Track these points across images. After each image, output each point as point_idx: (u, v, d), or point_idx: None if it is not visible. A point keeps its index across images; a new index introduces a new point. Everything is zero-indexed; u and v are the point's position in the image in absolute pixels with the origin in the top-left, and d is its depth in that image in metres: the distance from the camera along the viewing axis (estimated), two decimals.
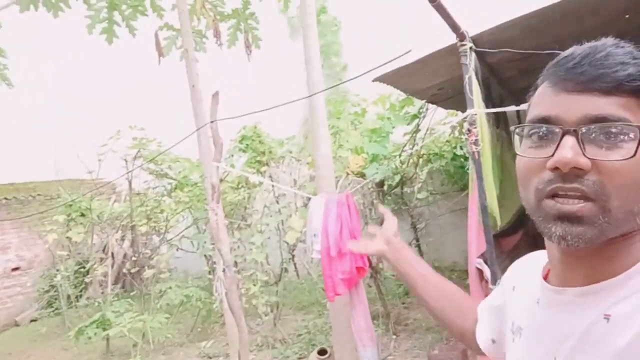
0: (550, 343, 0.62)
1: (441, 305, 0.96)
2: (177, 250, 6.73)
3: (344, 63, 12.88)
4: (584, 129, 0.54)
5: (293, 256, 5.69)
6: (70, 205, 7.27)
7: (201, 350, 5.25)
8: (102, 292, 6.87)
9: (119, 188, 8.43)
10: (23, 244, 8.51)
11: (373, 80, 3.00)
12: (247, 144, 5.58)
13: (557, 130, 0.55)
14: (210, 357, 5.09)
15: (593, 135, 0.54)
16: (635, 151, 0.52)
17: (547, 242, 0.64)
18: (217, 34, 4.09)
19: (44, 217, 7.52)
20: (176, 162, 6.53)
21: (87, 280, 7.28)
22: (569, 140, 0.54)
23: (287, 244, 5.25)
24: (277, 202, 5.64)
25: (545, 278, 0.68)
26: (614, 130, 0.53)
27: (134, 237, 7.08)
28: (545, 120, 0.57)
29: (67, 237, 7.10)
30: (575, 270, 0.60)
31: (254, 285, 4.70)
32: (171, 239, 6.82)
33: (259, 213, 5.71)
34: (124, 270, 7.24)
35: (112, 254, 7.33)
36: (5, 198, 8.27)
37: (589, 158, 0.53)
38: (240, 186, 6.01)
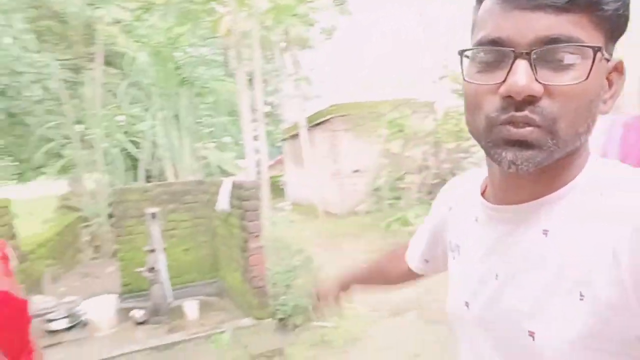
0: (490, 260, 0.64)
1: (388, 279, 1.07)
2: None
3: None
4: (536, 51, 0.51)
5: None
6: (391, 122, 8.57)
7: None
8: (417, 197, 8.05)
9: (433, 107, 9.24)
10: (361, 152, 10.64)
11: None
12: None
13: (509, 52, 0.52)
14: None
15: (545, 57, 0.51)
16: (588, 74, 0.51)
17: (490, 165, 0.64)
18: None
19: (373, 131, 9.18)
20: None
21: (401, 185, 8.61)
22: (522, 65, 0.50)
23: None
24: None
25: (483, 196, 0.69)
26: (566, 51, 0.51)
27: (437, 152, 7.79)
28: (495, 42, 0.53)
29: (387, 149, 8.52)
30: (517, 189, 0.61)
31: None
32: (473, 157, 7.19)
33: None
34: (431, 181, 8.16)
35: (425, 165, 8.36)
36: (348, 114, 10.40)
37: (541, 83, 0.51)
38: None
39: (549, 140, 0.52)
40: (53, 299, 4.96)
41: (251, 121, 7.52)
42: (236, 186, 4.41)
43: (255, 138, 8.00)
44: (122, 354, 3.70)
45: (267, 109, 15.22)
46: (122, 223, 5.42)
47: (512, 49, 0.51)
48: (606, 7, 0.51)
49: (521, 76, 0.50)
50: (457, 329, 0.73)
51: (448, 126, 7.68)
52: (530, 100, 0.51)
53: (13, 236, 5.09)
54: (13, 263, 1.63)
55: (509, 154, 0.53)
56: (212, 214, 5.47)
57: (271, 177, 13.54)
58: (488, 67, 0.54)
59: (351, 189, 10.47)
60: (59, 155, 8.71)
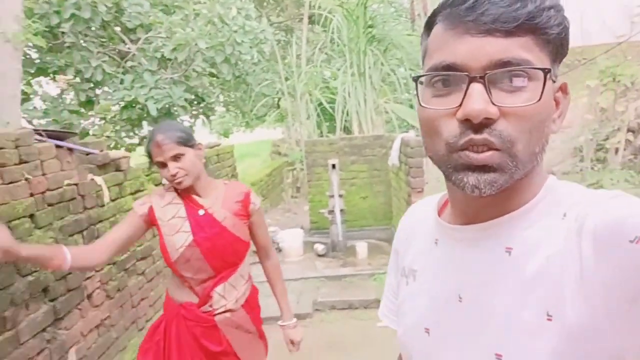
0: (452, 281, 0.62)
1: None
2: None
3: None
4: (489, 75, 0.51)
5: None
6: (603, 71, 7.43)
7: None
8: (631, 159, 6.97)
9: None
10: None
11: None
12: None
13: (463, 77, 0.53)
14: None
15: (499, 80, 0.52)
16: (541, 95, 0.52)
17: (449, 186, 0.63)
18: None
19: (580, 81, 8.07)
20: None
21: (607, 146, 7.53)
22: (477, 88, 0.51)
23: None
24: None
25: (441, 217, 0.69)
26: (518, 74, 0.52)
27: None
28: (449, 67, 0.54)
29: (596, 103, 7.43)
30: (479, 208, 0.60)
31: None
32: None
33: None
34: None
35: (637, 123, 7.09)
36: None
37: (496, 105, 0.51)
38: None
39: (509, 163, 0.53)
40: None
41: None
42: (404, 143, 4.72)
43: None
44: (303, 278, 4.57)
45: None
46: (312, 170, 6.33)
47: (467, 73, 0.52)
48: (549, 31, 0.53)
49: (477, 99, 0.51)
50: (415, 356, 0.68)
51: None
52: (487, 123, 0.52)
53: (234, 175, 6.49)
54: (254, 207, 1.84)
55: (471, 179, 0.53)
56: (388, 167, 5.93)
57: None
58: (443, 92, 0.55)
59: (549, 146, 9.50)
60: (277, 107, 10.29)
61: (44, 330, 2.36)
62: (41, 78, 5.67)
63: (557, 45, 0.55)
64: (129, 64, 5.71)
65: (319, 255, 5.20)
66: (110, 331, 2.99)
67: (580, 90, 8.03)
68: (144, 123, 5.77)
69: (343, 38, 8.35)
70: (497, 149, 0.52)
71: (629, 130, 6.80)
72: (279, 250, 5.45)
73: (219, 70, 6.13)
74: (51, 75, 5.47)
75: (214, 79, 6.79)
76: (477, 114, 0.51)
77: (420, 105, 0.58)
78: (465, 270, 0.61)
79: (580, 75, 8.24)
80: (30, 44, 3.69)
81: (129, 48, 5.84)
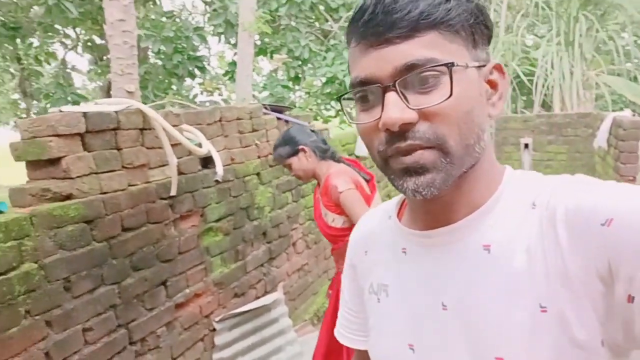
0: (432, 290, 0.60)
1: None
2: None
3: None
4: (399, 81, 0.52)
5: None
6: None
7: None
8: None
9: None
10: None
11: None
12: None
13: (377, 89, 0.53)
14: None
15: (410, 84, 0.52)
16: (450, 89, 0.51)
17: None
18: None
19: None
20: None
21: None
22: (391, 97, 0.52)
23: None
24: None
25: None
26: (426, 73, 0.52)
27: None
28: (363, 82, 0.55)
29: None
30: (439, 211, 0.59)
31: None
32: None
33: None
34: None
35: None
36: None
37: (413, 109, 0.51)
38: None
39: (442, 160, 0.52)
40: None
41: None
42: (615, 123, 4.18)
43: None
44: None
45: None
46: (502, 149, 6.05)
47: (379, 85, 0.53)
48: (452, 22, 0.52)
49: (392, 108, 0.51)
50: None
51: None
52: (407, 128, 0.52)
53: None
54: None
55: (409, 184, 0.53)
56: (592, 150, 5.31)
57: None
58: (367, 106, 0.56)
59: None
60: None
61: (262, 265, 2.98)
62: (260, 57, 6.67)
63: (469, 33, 0.54)
64: (332, 42, 6.27)
65: None
66: (307, 275, 3.56)
67: None
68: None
69: (550, 2, 7.52)
70: (426, 148, 0.52)
71: None
72: None
73: None
74: (269, 54, 6.38)
75: None
76: (392, 122, 0.51)
77: (350, 120, 0.60)
78: (444, 276, 0.58)
79: None
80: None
81: (331, 26, 6.40)
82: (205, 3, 6.21)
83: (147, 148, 2.06)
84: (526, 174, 0.60)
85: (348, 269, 0.77)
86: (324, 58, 6.22)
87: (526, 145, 4.79)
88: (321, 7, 6.67)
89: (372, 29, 0.53)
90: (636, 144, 3.85)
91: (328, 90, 6.23)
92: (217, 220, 2.55)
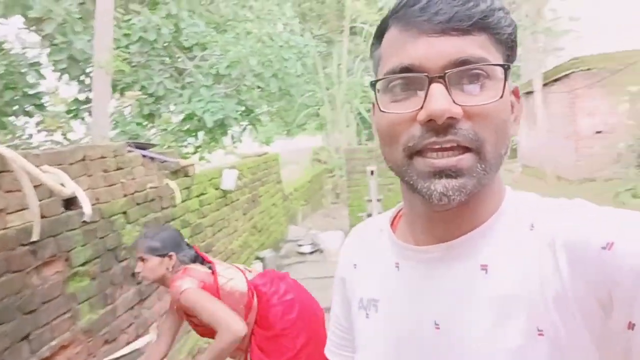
0: (425, 308, 0.57)
1: None
2: None
3: None
4: (449, 74, 0.50)
5: None
6: None
7: None
8: None
9: None
10: (608, 111, 9.42)
11: None
12: None
13: (423, 78, 0.51)
14: None
15: (458, 79, 0.51)
16: (502, 91, 0.50)
17: (409, 200, 0.61)
18: None
19: (621, 87, 8.06)
20: None
21: None
22: (438, 88, 0.49)
23: None
24: None
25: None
26: (477, 72, 0.50)
27: None
28: (407, 69, 0.52)
29: (637, 108, 7.42)
30: (443, 225, 0.57)
31: None
32: None
33: None
34: None
35: None
36: (593, 68, 9.27)
37: (458, 105, 0.49)
38: None
39: (478, 166, 0.51)
40: (303, 230, 6.69)
41: None
42: None
43: None
44: None
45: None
46: (352, 176, 6.73)
47: (426, 74, 0.50)
48: (502, 31, 0.52)
49: (440, 99, 0.49)
50: None
51: None
52: (451, 123, 0.49)
53: (279, 182, 6.98)
54: None
55: (438, 186, 0.50)
56: None
57: None
58: (402, 96, 0.53)
59: (588, 152, 9.50)
60: (317, 115, 10.76)
61: (132, 308, 2.87)
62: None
63: (508, 47, 0.54)
64: (187, 80, 6.32)
65: None
66: None
67: (621, 96, 8.04)
68: (200, 133, 6.35)
69: None
70: (465, 149, 0.50)
71: None
72: (320, 251, 5.86)
73: (267, 83, 6.65)
74: (120, 91, 6.14)
75: (261, 91, 7.33)
76: (440, 113, 0.49)
77: (380, 110, 0.54)
78: (439, 294, 0.56)
79: (621, 80, 8.24)
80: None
81: (186, 65, 6.45)
82: (43, 37, 5.77)
83: (5, 192, 1.92)
84: (525, 194, 0.59)
85: (338, 282, 0.75)
86: (180, 95, 6.23)
87: (372, 172, 5.43)
88: (174, 46, 6.69)
89: (429, 16, 0.50)
90: None
91: (186, 127, 6.23)
92: (83, 264, 2.42)
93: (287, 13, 8.74)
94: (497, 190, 0.58)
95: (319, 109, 10.44)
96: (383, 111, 0.54)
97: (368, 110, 8.90)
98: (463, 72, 0.50)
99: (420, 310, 0.57)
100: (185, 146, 6.78)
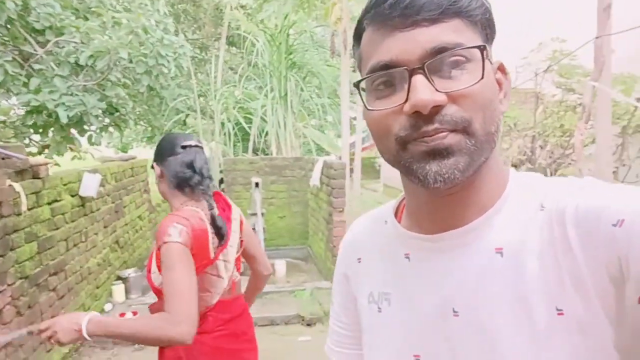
0: (441, 295, 0.57)
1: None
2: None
3: None
4: (428, 64, 0.51)
5: None
6: None
7: None
8: None
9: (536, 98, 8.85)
10: None
11: None
12: None
13: (403, 72, 0.52)
14: None
15: (438, 68, 0.51)
16: (482, 72, 0.51)
17: (411, 190, 0.61)
18: None
19: None
20: (587, 77, 6.43)
21: None
22: (419, 79, 0.50)
23: None
24: None
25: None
26: (455, 57, 0.51)
27: (534, 146, 7.59)
28: (387, 66, 0.53)
29: None
30: (449, 212, 0.58)
31: None
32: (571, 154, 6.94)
33: None
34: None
35: (523, 160, 8.15)
36: None
37: (441, 92, 0.50)
38: None
39: (467, 142, 0.51)
40: None
41: (350, 103, 8.01)
42: (326, 165, 4.96)
43: (353, 120, 8.48)
44: None
45: None
46: (232, 188, 6.31)
47: (405, 67, 0.52)
48: (474, 12, 0.53)
49: (422, 89, 0.50)
50: None
51: (549, 120, 7.41)
52: (436, 111, 0.51)
53: (147, 190, 6.23)
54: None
55: (432, 166, 0.51)
56: (306, 188, 6.13)
57: (369, 158, 13.87)
58: (386, 92, 0.54)
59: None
60: (185, 124, 10.01)
61: None
62: None
63: (484, 26, 0.55)
64: (36, 66, 5.29)
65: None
66: (18, 351, 2.73)
67: None
68: (51, 130, 5.34)
69: (265, 61, 8.53)
70: (452, 131, 0.51)
71: (512, 165, 7.79)
72: None
73: (137, 81, 5.93)
74: None
75: (128, 90, 6.53)
76: (424, 103, 0.50)
77: (367, 108, 0.56)
78: (455, 281, 0.56)
79: None
80: None
81: (35, 50, 5.42)
82: None
83: None
84: (530, 175, 0.60)
85: (340, 279, 0.74)
86: (24, 84, 5.18)
87: (257, 184, 5.13)
88: (20, 26, 5.59)
89: (400, 11, 0.52)
90: (343, 182, 4.65)
91: (32, 122, 5.18)
92: None
93: (161, 10, 8.11)
94: (498, 173, 0.58)
95: (186, 116, 9.77)
96: (370, 109, 0.55)
97: (246, 122, 8.59)
98: (441, 59, 0.51)
99: (437, 299, 0.58)
100: (28, 145, 5.66)
